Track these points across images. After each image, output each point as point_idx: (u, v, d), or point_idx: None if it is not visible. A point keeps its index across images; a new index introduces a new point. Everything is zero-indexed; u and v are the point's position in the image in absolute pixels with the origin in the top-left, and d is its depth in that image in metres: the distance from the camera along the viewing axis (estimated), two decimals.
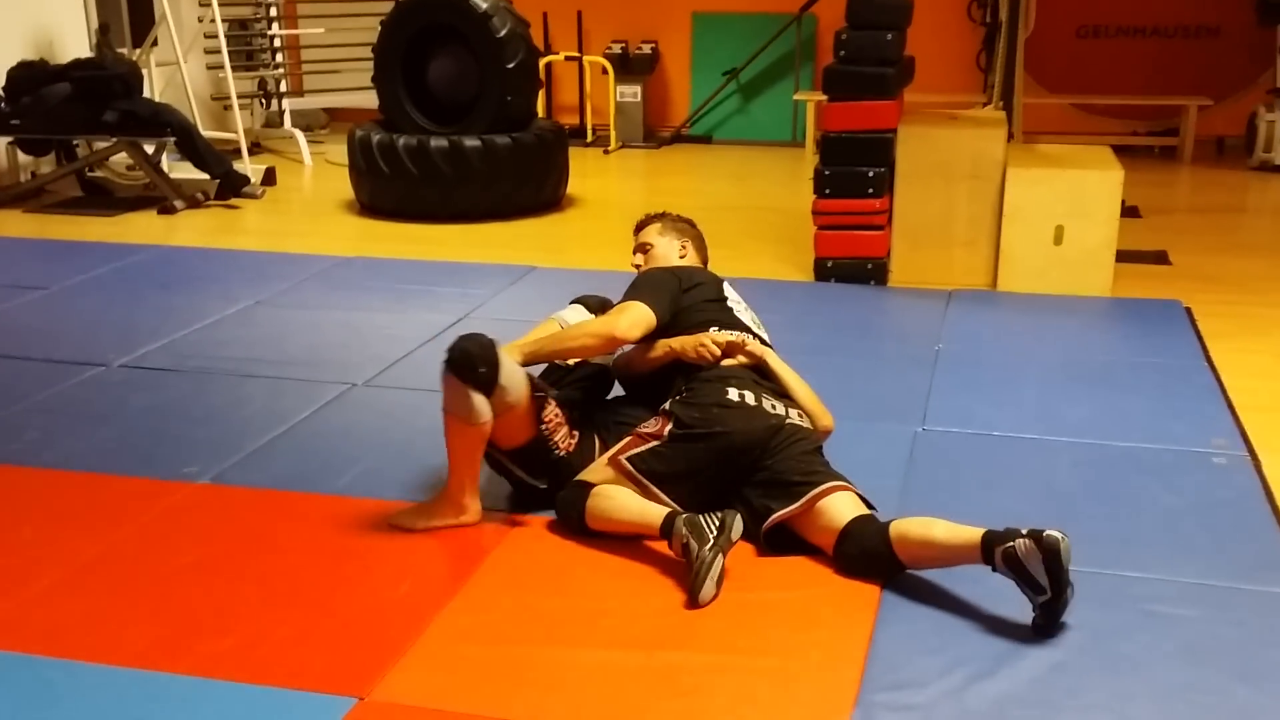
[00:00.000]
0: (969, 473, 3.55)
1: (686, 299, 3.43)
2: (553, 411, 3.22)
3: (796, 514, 3.02)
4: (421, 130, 7.29)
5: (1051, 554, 2.60)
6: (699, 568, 2.80)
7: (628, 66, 9.78)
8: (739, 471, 3.11)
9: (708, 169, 9.07)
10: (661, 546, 3.01)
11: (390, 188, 7.23)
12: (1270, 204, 7.70)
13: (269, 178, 8.28)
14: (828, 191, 5.63)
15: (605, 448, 3.30)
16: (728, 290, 3.56)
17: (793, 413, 3.19)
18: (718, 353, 3.27)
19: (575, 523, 3.15)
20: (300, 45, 10.30)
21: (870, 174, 5.56)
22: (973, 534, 2.76)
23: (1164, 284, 5.58)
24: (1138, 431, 3.82)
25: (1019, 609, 2.72)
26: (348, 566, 3.05)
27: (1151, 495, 3.40)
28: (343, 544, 3.16)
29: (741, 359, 3.29)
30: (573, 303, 3.67)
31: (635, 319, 3.32)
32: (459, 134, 7.16)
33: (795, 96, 9.56)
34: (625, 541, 3.09)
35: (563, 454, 3.23)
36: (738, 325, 3.43)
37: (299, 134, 9.40)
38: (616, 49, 9.83)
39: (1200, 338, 4.76)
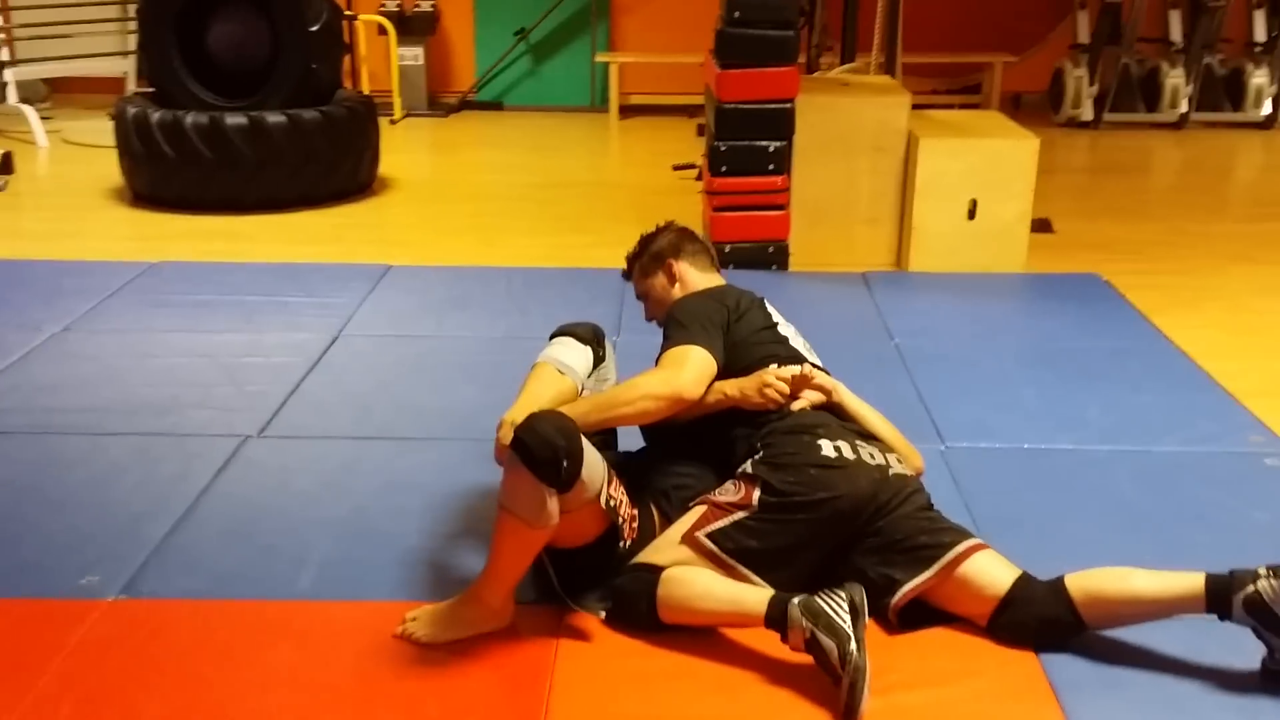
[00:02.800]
0: (1028, 496, 3.14)
1: (737, 331, 2.82)
2: (618, 489, 2.56)
3: (934, 584, 2.50)
4: (207, 105, 6.26)
5: None
6: (854, 676, 2.24)
7: (406, 26, 8.89)
8: (845, 539, 2.56)
9: (518, 139, 8.35)
10: (755, 636, 2.44)
11: (177, 175, 6.18)
12: (1107, 163, 7.71)
13: (6, 164, 7.00)
14: (724, 169, 5.10)
15: (665, 519, 2.67)
16: (772, 310, 2.97)
17: (890, 459, 2.66)
18: (786, 392, 2.69)
19: (644, 616, 2.52)
20: (10, 6, 8.85)
21: (771, 149, 5.06)
22: (1189, 581, 2.35)
23: (1063, 255, 5.36)
24: (1168, 432, 3.51)
25: (1216, 653, 2.35)
26: (364, 711, 2.31)
27: (1234, 508, 3.07)
28: (345, 675, 2.41)
29: (811, 398, 2.72)
30: (556, 336, 2.97)
31: (700, 372, 2.69)
32: (257, 109, 6.18)
33: (597, 58, 8.95)
34: (705, 636, 2.49)
35: (628, 544, 2.58)
36: (796, 356, 2.85)
37: (28, 110, 8.05)
38: (392, 5, 8.92)
39: (1144, 316, 4.54)
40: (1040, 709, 2.31)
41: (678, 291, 2.99)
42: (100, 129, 7.39)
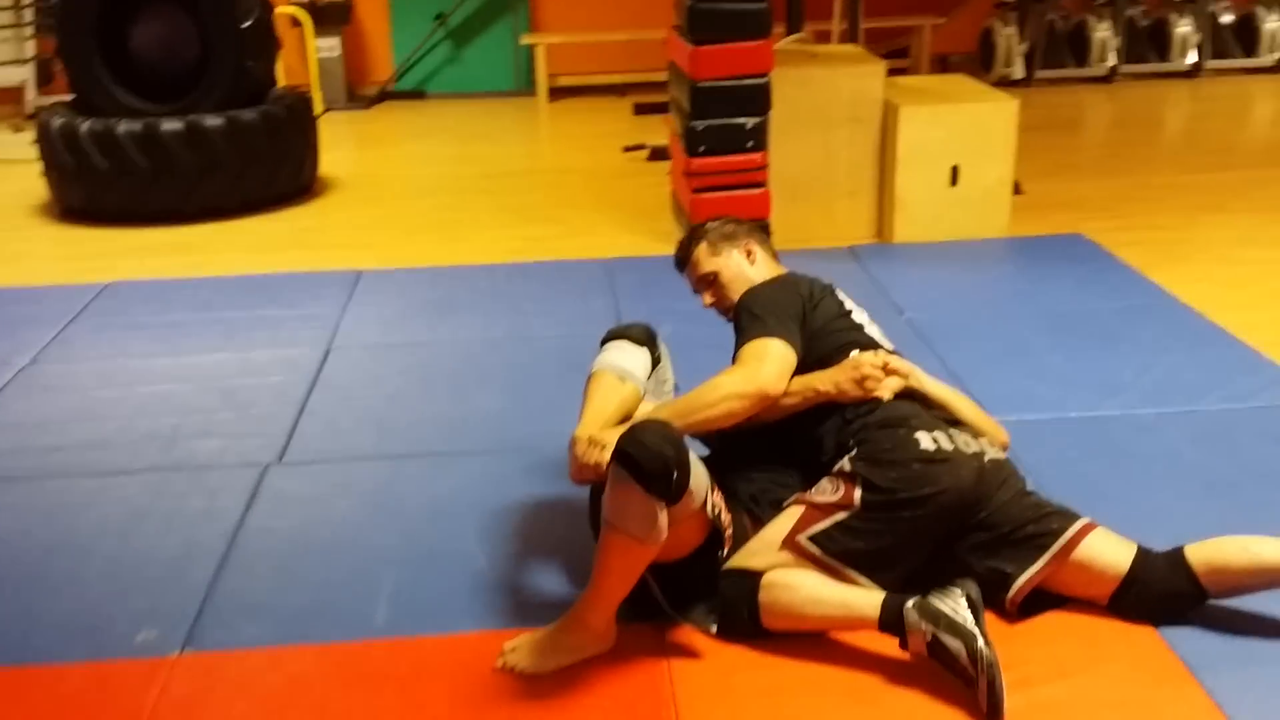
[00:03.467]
0: (1092, 468, 3.08)
1: (814, 320, 2.69)
2: (718, 494, 2.43)
3: (1050, 572, 2.43)
4: (137, 112, 5.93)
5: None
6: (990, 674, 2.15)
7: (320, 17, 8.57)
8: (949, 534, 2.47)
9: (449, 128, 8.10)
10: (869, 638, 2.34)
11: (112, 187, 5.84)
12: (1048, 120, 7.71)
13: None
14: (703, 149, 4.97)
15: (756, 525, 2.55)
16: (844, 297, 2.85)
17: (983, 444, 2.57)
18: (883, 380, 2.58)
19: (745, 624, 2.40)
20: None
21: (749, 125, 4.94)
22: None
23: (1037, 216, 5.34)
24: (1208, 391, 3.49)
25: None
26: None
27: None
28: (454, 715, 2.25)
29: (893, 385, 2.61)
30: (608, 340, 2.82)
31: (782, 365, 2.56)
32: (191, 113, 5.88)
33: (523, 40, 8.73)
34: (816, 641, 2.39)
35: (727, 551, 2.46)
36: (874, 343, 2.74)
37: None
38: None
39: (1141, 273, 4.54)
40: (1181, 690, 2.25)
41: (755, 274, 2.84)
42: (4, 141, 6.99)
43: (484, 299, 4.55)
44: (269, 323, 4.35)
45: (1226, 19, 8.67)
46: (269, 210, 5.99)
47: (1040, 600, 2.46)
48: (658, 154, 6.74)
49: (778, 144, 5.03)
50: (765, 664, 2.36)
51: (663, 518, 2.24)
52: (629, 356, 2.75)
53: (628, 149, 6.88)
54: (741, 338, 2.63)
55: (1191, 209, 5.43)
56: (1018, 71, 8.41)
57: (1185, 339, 3.90)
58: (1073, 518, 2.49)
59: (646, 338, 2.81)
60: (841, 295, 2.83)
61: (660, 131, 7.10)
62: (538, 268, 4.93)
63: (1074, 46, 8.58)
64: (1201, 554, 2.40)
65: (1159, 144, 7.14)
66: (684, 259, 2.94)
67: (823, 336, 2.66)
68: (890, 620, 2.29)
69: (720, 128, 4.94)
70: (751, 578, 2.41)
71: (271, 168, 6.05)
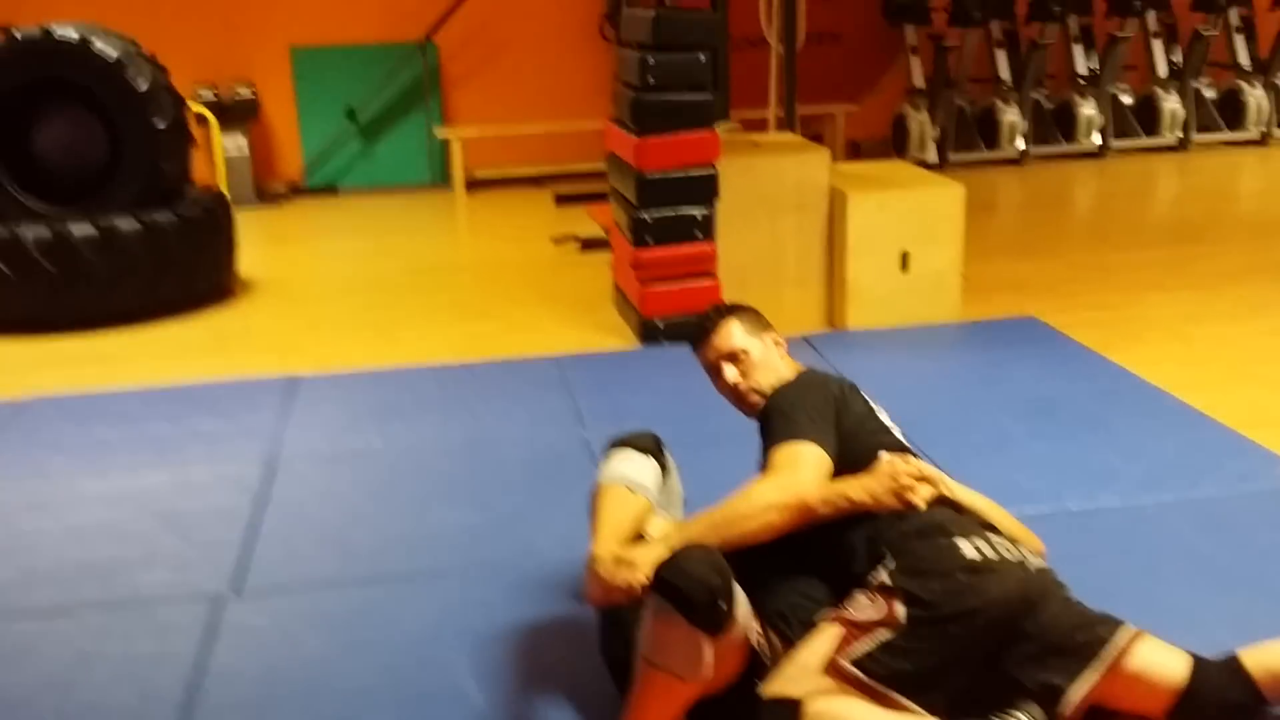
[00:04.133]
0: (1102, 564, 2.95)
1: (845, 421, 2.54)
2: (754, 617, 2.24)
3: (1103, 685, 2.27)
4: (40, 216, 5.62)
5: None
6: None
7: (226, 115, 8.33)
8: (994, 649, 2.31)
9: (365, 224, 7.87)
10: None
11: (17, 295, 5.51)
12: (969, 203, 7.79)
13: None
14: (649, 240, 4.84)
15: (785, 644, 2.36)
16: (867, 396, 2.70)
17: (1023, 552, 2.42)
18: (917, 490, 2.43)
19: None
20: None
21: (698, 216, 4.84)
22: None
23: (986, 299, 5.30)
24: (1201, 476, 3.42)
25: None
26: None
27: None
28: None
29: (926, 493, 2.46)
30: (614, 448, 2.65)
31: (818, 471, 2.40)
32: (101, 215, 5.58)
33: (439, 133, 8.58)
34: None
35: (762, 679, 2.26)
36: (900, 446, 2.59)
37: None
38: (208, 95, 8.34)
39: (1102, 355, 4.50)
40: None
41: (781, 366, 2.69)
42: None
43: (434, 402, 4.32)
44: (203, 437, 4.07)
45: (1127, 100, 8.89)
46: (187, 314, 5.70)
47: (1089, 716, 2.31)
48: (589, 245, 6.62)
49: (724, 234, 4.93)
50: None
51: (708, 652, 2.05)
52: (638, 467, 2.58)
53: (557, 240, 6.74)
54: (773, 440, 2.46)
55: (1129, 288, 5.45)
56: (931, 155, 8.50)
57: (1164, 422, 3.84)
58: (1118, 623, 2.34)
59: (654, 446, 2.65)
60: (865, 394, 2.69)
61: (584, 222, 7.02)
62: (485, 367, 4.72)
63: (983, 130, 8.72)
64: (1260, 660, 2.27)
65: (1079, 223, 7.23)
66: (711, 330, 2.77)
67: (853, 439, 2.51)
68: None
69: (668, 218, 4.83)
70: (791, 709, 2.22)
71: (189, 270, 5.78)
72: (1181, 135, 8.75)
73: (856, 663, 2.26)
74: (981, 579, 2.30)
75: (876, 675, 2.25)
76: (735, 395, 2.72)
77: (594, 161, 8.96)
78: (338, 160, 8.85)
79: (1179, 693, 2.28)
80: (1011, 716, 2.13)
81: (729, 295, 4.94)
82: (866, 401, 2.64)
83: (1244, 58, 8.92)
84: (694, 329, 2.83)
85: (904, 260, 4.94)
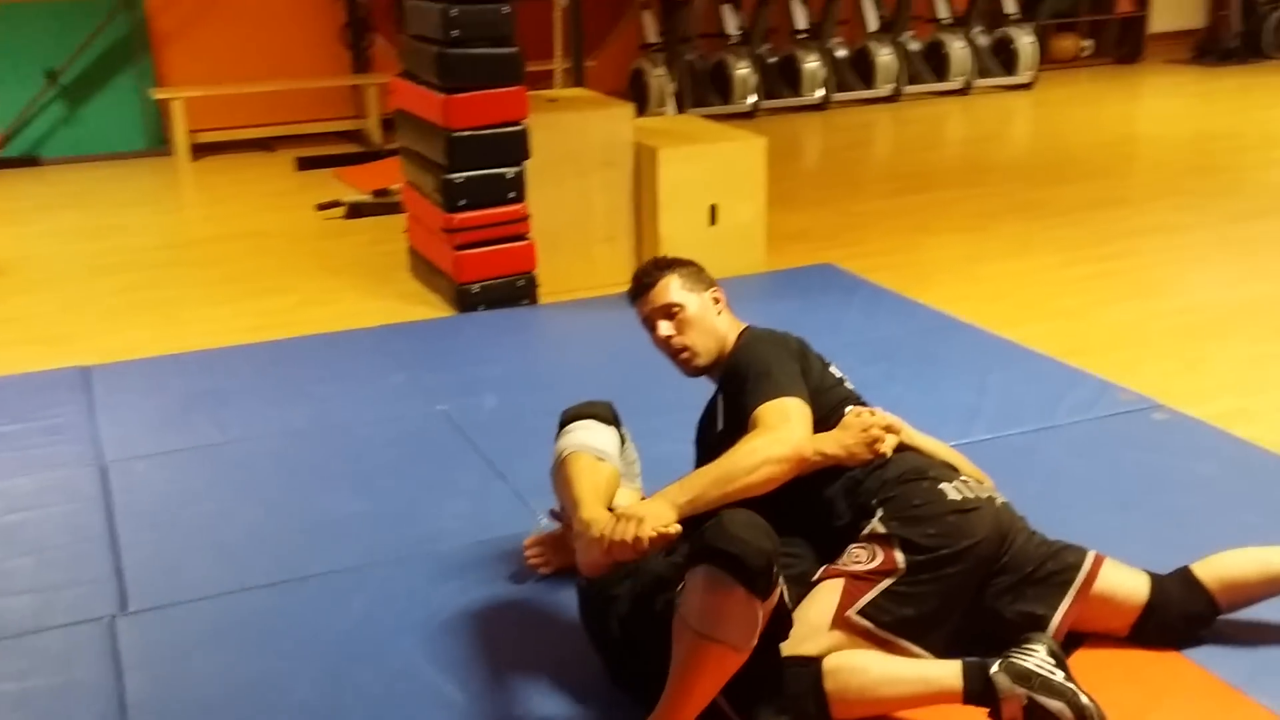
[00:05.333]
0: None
1: (810, 376, 2.53)
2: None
3: (1078, 609, 2.39)
4: None
5: None
6: None
7: None
8: (980, 584, 2.38)
9: (88, 197, 7.12)
10: (945, 713, 2.21)
11: None
12: None
13: None
14: (463, 203, 4.66)
15: (787, 603, 2.34)
16: (818, 351, 2.70)
17: (989, 487, 2.51)
18: (887, 440, 2.46)
19: (814, 717, 2.20)
20: None
21: (509, 175, 4.70)
22: None
23: (778, 249, 5.41)
24: (1055, 405, 3.63)
25: None
26: None
27: (1177, 465, 3.24)
28: None
29: (893, 442, 2.49)
30: (572, 420, 2.55)
31: (807, 425, 2.38)
32: None
33: (156, 95, 7.91)
34: None
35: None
36: (854, 398, 2.62)
37: None
38: None
39: (912, 298, 4.71)
40: (1251, 713, 2.27)
41: (719, 324, 2.64)
42: None
43: (260, 386, 4.02)
44: (6, 440, 3.61)
45: (843, 53, 9.31)
46: None
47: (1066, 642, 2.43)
48: (357, 210, 6.31)
49: (536, 192, 4.81)
50: None
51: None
52: (600, 436, 2.51)
53: (322, 207, 6.37)
54: (754, 398, 2.41)
55: (902, 232, 5.69)
56: (670, 110, 8.60)
57: (995, 357, 4.06)
58: (1082, 551, 2.47)
59: (612, 416, 2.58)
60: (815, 350, 2.69)
61: (334, 186, 6.73)
62: (298, 344, 4.43)
63: (716, 84, 8.91)
64: (1212, 571, 2.45)
65: (832, 174, 7.44)
66: (649, 284, 2.68)
67: (818, 394, 2.50)
68: (977, 689, 2.16)
69: (480, 179, 4.66)
70: (812, 667, 2.21)
71: None
72: (895, 86, 9.25)
73: (863, 613, 2.28)
74: (968, 519, 2.37)
75: (883, 623, 2.28)
76: (670, 351, 2.66)
77: (330, 121, 8.59)
78: (38, 128, 8.02)
79: (1142, 609, 2.43)
80: (1028, 650, 2.18)
81: (541, 257, 4.85)
82: (819, 356, 2.65)
83: (944, 12, 9.51)
84: (632, 283, 2.75)
85: (713, 213, 4.98)
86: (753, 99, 8.86)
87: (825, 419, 2.48)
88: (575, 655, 2.46)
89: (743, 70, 8.80)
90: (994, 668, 2.16)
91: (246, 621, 2.67)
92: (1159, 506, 3.03)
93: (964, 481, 2.45)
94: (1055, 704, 2.11)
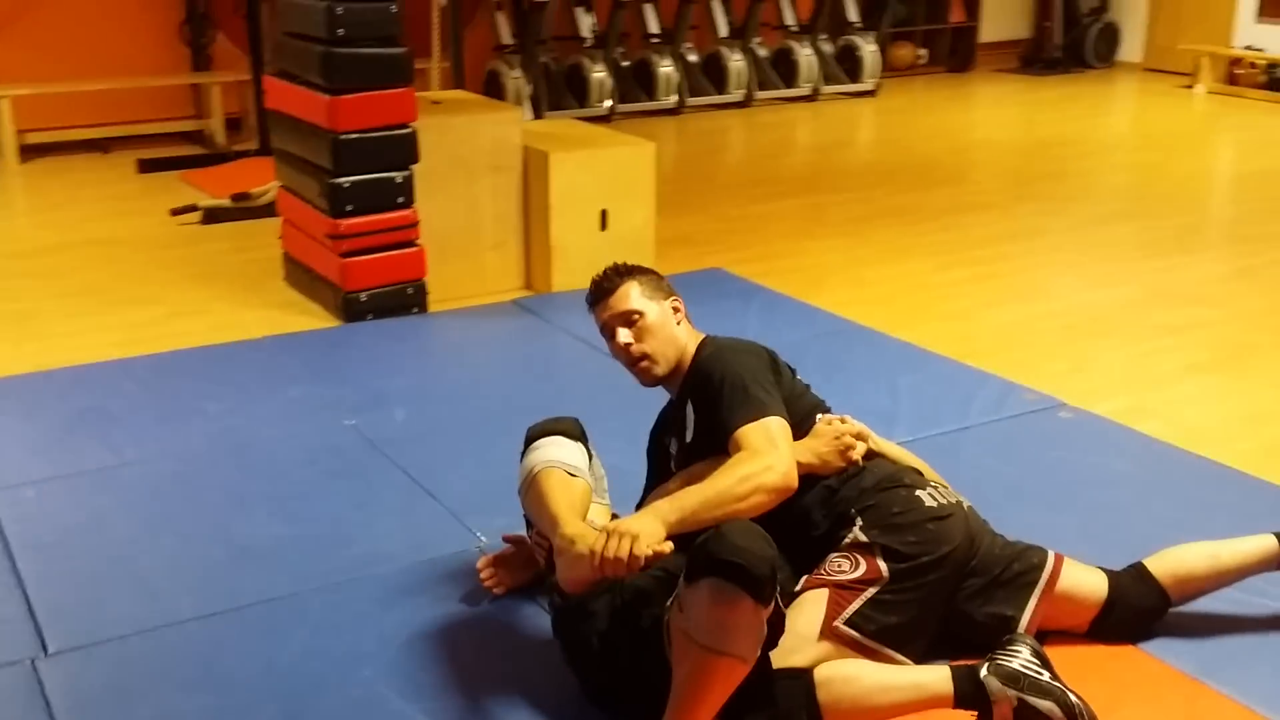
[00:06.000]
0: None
1: (782, 386, 2.50)
2: None
3: (1044, 609, 2.43)
4: None
5: None
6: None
7: None
8: (953, 588, 2.40)
9: None
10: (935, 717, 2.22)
11: None
12: None
13: None
14: (350, 208, 4.49)
15: (783, 609, 2.30)
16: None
17: (954, 492, 2.54)
18: (859, 450, 2.46)
19: None
20: None
21: (398, 179, 4.55)
22: (1262, 542, 2.50)
23: (665, 253, 5.37)
24: (966, 406, 3.70)
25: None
26: None
27: (1090, 462, 3.34)
28: None
29: (863, 449, 2.50)
30: (538, 439, 2.48)
31: (791, 444, 2.36)
32: None
33: None
34: None
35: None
36: (824, 405, 2.61)
37: None
38: None
39: (807, 302, 4.75)
40: (1215, 704, 2.33)
41: (680, 333, 2.59)
42: None
43: (146, 404, 3.78)
44: None
45: (694, 59, 9.37)
46: None
47: None
48: (212, 216, 6.03)
49: (424, 197, 4.66)
50: None
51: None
52: (569, 452, 2.45)
53: (176, 211, 6.07)
54: (735, 416, 2.36)
55: (784, 237, 5.74)
56: (527, 113, 8.50)
57: (899, 360, 4.12)
58: (1043, 551, 2.52)
59: (579, 432, 2.51)
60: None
61: (182, 190, 6.45)
62: (180, 359, 4.19)
63: (572, 87, 8.86)
64: (1164, 566, 2.52)
65: (700, 179, 7.36)
66: (609, 290, 2.61)
67: (790, 404, 2.48)
68: (968, 692, 2.17)
69: (367, 183, 4.50)
70: (803, 679, 2.18)
71: None
72: (746, 92, 9.36)
73: (849, 623, 2.28)
74: (945, 525, 2.39)
75: (869, 633, 2.29)
76: (628, 359, 2.60)
77: (169, 121, 8.19)
78: None
79: (1102, 605, 2.49)
80: (1012, 651, 2.20)
81: (429, 264, 4.72)
82: (786, 364, 2.63)
83: (791, 19, 9.67)
84: (591, 288, 2.68)
85: (603, 219, 4.93)
86: (609, 103, 8.84)
87: (797, 426, 2.46)
88: (548, 673, 2.39)
89: (599, 74, 8.77)
90: (983, 671, 2.17)
91: (184, 658, 2.50)
92: (1084, 503, 3.11)
93: (935, 488, 2.48)
94: (1045, 704, 2.13)
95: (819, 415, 2.53)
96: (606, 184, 4.92)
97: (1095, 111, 9.42)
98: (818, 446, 2.44)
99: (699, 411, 2.50)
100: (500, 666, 2.46)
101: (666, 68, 9.06)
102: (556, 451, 2.42)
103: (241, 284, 5.06)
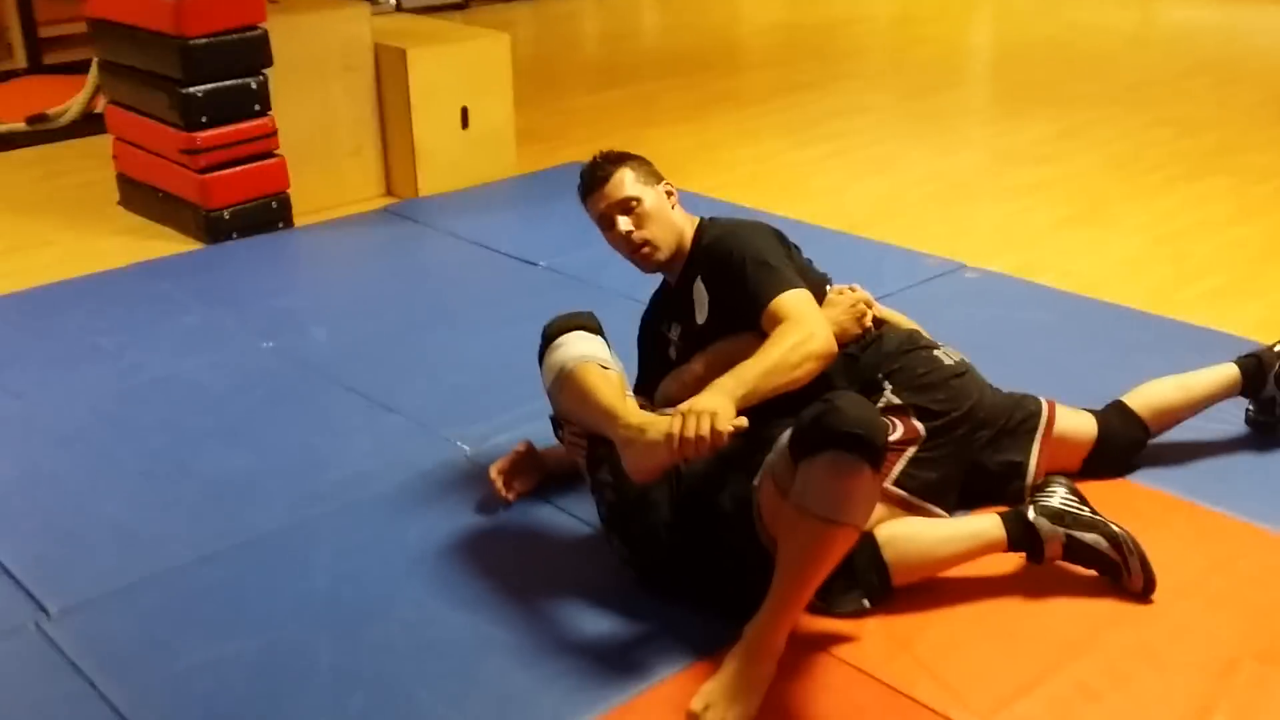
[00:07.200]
0: None
1: (796, 261, 2.52)
2: None
3: (1049, 450, 2.56)
4: None
5: None
6: (1140, 551, 2.24)
7: None
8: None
9: None
10: (974, 567, 2.33)
11: None
12: None
13: None
14: (205, 119, 4.19)
15: None
16: None
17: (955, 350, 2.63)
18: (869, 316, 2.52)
19: (876, 588, 2.24)
20: None
21: (253, 85, 4.26)
22: (1226, 371, 2.71)
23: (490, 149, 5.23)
24: (879, 277, 3.61)
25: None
26: None
27: (1026, 318, 3.47)
28: None
29: (871, 315, 2.56)
30: (558, 335, 2.40)
31: (820, 314, 2.39)
32: None
33: None
34: (942, 587, 2.30)
35: None
36: (829, 277, 2.64)
37: None
38: None
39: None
40: (1224, 526, 2.50)
41: (676, 217, 2.57)
42: None
43: (35, 345, 3.48)
44: None
45: None
46: None
47: None
48: (7, 142, 5.51)
49: (278, 103, 4.38)
50: (935, 621, 2.21)
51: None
52: (596, 346, 2.42)
53: (31, 120, 5.50)
54: (764, 289, 2.36)
55: (627, 125, 5.70)
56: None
57: (797, 237, 4.07)
58: (1036, 399, 2.64)
59: (597, 325, 2.46)
60: None
61: None
62: (48, 295, 3.87)
63: None
64: (1142, 400, 2.69)
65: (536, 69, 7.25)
66: (603, 178, 2.55)
67: (804, 277, 2.50)
68: (1019, 535, 2.28)
69: (222, 91, 4.20)
70: (867, 540, 2.24)
71: None
72: None
73: (896, 483, 2.35)
74: (964, 381, 2.49)
75: (914, 490, 2.36)
76: (629, 246, 2.56)
77: None
78: None
79: (1093, 444, 2.65)
80: (1051, 493, 2.33)
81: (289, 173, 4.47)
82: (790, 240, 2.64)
83: None
84: (582, 178, 2.62)
85: (464, 117, 4.77)
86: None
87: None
88: (596, 568, 2.37)
89: None
90: (1030, 513, 2.28)
91: (204, 602, 2.33)
92: (1026, 355, 3.22)
93: (944, 348, 2.56)
94: (1091, 536, 2.27)
95: (828, 286, 2.56)
96: (465, 80, 4.75)
97: None
98: (836, 315, 2.47)
99: (715, 291, 2.49)
100: (544, 568, 2.41)
101: None
102: (584, 345, 2.36)
103: (75, 212, 4.66)
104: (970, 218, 4.45)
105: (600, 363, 2.35)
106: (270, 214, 4.39)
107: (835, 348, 2.34)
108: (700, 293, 2.52)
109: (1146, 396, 2.71)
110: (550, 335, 2.43)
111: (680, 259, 2.58)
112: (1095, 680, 2.07)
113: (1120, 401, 2.70)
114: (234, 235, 4.31)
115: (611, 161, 2.59)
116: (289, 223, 4.45)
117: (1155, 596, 2.25)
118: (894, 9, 8.90)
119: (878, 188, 4.81)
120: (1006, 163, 5.03)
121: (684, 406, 2.14)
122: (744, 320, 2.41)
